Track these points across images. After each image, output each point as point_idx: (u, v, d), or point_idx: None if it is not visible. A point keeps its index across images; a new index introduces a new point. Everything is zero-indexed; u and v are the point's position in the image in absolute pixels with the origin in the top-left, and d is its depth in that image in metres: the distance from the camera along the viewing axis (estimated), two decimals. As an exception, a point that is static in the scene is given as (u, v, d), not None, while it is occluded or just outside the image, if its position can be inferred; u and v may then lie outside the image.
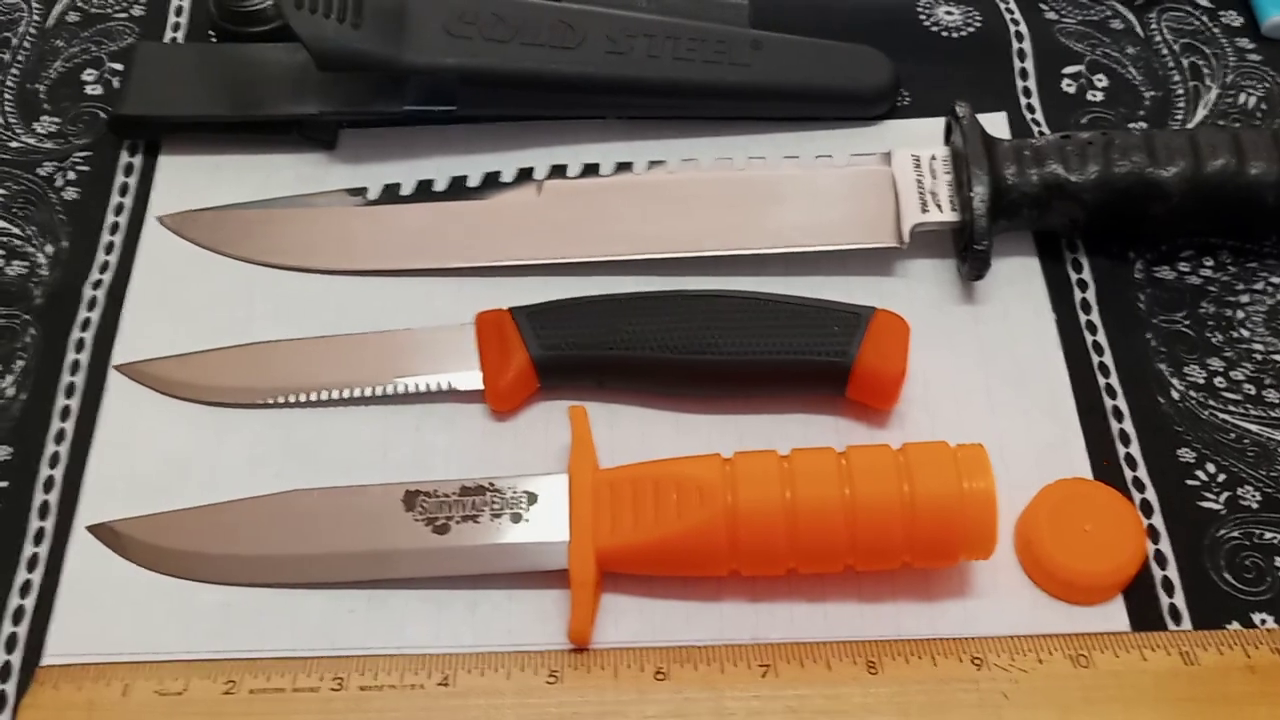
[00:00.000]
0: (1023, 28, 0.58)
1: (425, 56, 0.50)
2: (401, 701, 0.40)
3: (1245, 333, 0.49)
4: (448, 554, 0.42)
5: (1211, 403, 0.47)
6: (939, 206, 0.49)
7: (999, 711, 0.39)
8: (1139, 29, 0.58)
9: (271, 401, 0.47)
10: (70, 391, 0.47)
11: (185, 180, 0.53)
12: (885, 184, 0.50)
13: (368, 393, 0.46)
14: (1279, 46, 0.57)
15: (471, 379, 0.46)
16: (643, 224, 0.50)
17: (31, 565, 0.43)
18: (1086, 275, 0.50)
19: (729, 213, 0.50)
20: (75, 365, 0.48)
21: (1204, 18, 0.59)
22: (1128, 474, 0.45)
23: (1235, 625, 0.42)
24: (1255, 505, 0.44)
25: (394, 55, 0.49)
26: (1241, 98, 0.55)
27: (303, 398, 0.46)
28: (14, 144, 0.54)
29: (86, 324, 0.49)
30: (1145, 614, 0.42)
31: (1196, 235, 0.51)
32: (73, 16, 0.59)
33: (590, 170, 0.52)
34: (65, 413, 0.47)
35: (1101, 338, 0.49)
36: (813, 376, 0.45)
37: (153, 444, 0.46)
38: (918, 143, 0.52)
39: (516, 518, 0.42)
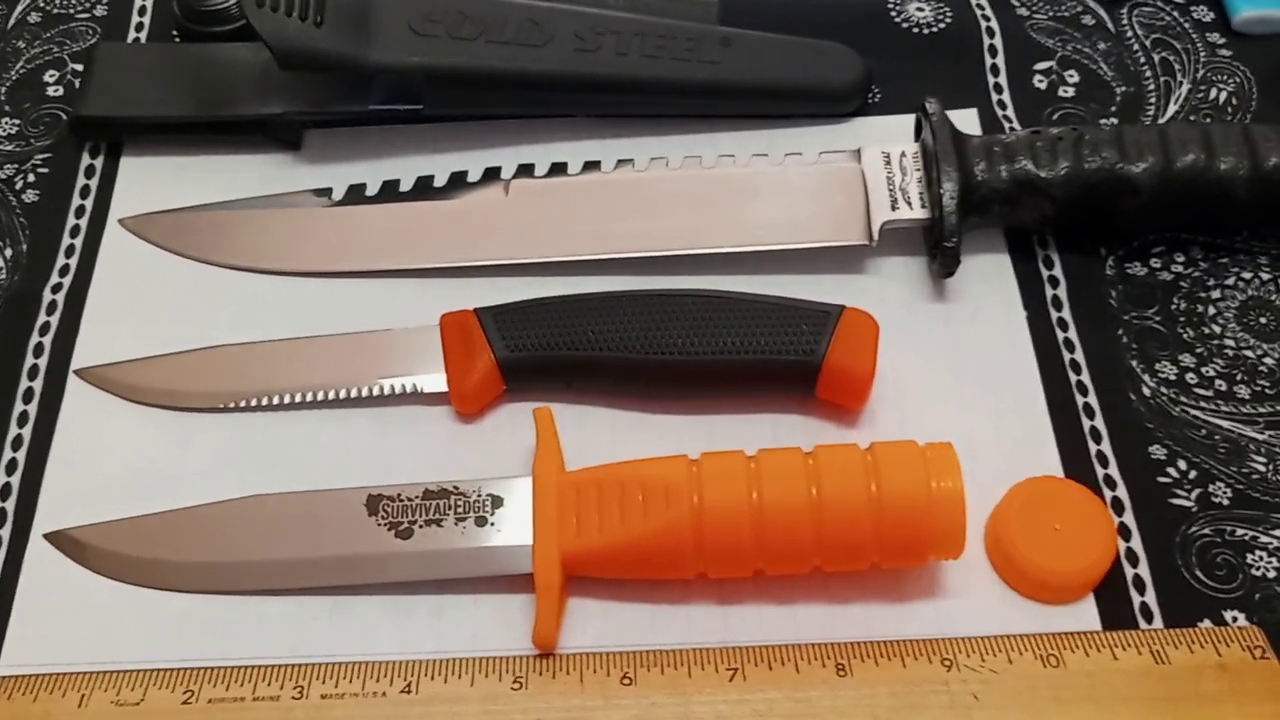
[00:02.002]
0: (994, 24, 0.58)
1: (390, 55, 0.49)
2: (364, 710, 0.39)
3: (1216, 328, 0.48)
4: (411, 559, 0.41)
5: (1183, 399, 0.47)
6: (909, 204, 0.49)
7: (969, 713, 0.39)
8: (1110, 25, 0.58)
9: (234, 405, 0.46)
10: (28, 397, 0.47)
11: (147, 182, 0.52)
12: (855, 181, 0.50)
13: (331, 396, 0.46)
14: (1250, 41, 0.57)
15: (436, 381, 0.46)
16: (611, 223, 0.50)
17: (-12, 574, 0.43)
18: (1058, 272, 0.50)
19: (698, 211, 0.50)
20: (34, 370, 0.47)
21: (1175, 13, 0.58)
22: (1099, 472, 0.45)
23: (1207, 623, 0.42)
24: (1226, 502, 0.44)
25: (357, 54, 0.49)
26: (1213, 93, 0.55)
27: (266, 401, 0.46)
28: (-27, 146, 0.54)
29: (46, 328, 0.48)
30: (1116, 613, 0.42)
31: (1167, 231, 0.51)
32: (34, 17, 0.58)
33: (558, 169, 0.51)
34: (23, 418, 0.46)
35: (1072, 334, 0.48)
36: (782, 376, 0.45)
37: (113, 450, 0.45)
38: (888, 140, 0.51)
39: (481, 521, 0.42)
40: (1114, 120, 0.54)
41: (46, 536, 0.43)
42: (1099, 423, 0.46)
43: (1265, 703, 0.39)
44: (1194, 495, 0.44)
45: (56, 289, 0.49)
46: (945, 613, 0.42)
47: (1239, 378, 0.47)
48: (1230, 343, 0.48)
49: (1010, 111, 0.55)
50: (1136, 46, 0.57)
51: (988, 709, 0.39)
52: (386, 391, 0.46)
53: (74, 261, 0.50)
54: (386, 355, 0.46)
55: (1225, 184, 0.48)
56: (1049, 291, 0.49)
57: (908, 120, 0.53)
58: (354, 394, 0.46)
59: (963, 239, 0.48)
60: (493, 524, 0.42)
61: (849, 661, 0.40)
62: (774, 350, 0.44)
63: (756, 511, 0.40)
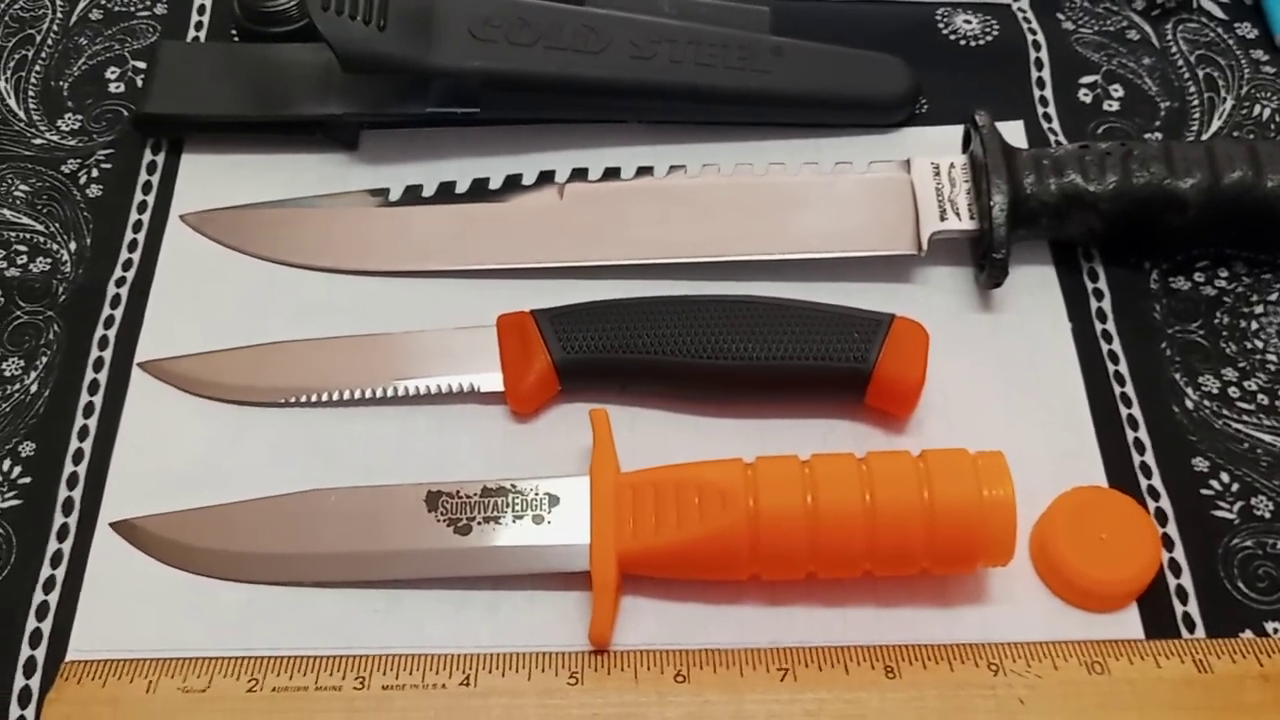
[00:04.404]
0: (1040, 37, 0.58)
1: (449, 59, 0.50)
2: (423, 701, 0.40)
3: (1259, 343, 0.49)
4: (469, 555, 0.42)
5: (1225, 412, 0.47)
6: (958, 215, 0.50)
7: (1015, 717, 0.39)
8: (1155, 40, 0.58)
9: (294, 401, 0.47)
10: (94, 388, 0.48)
11: (208, 179, 0.53)
12: (904, 191, 0.50)
13: (389, 393, 0.47)
14: (1294, 59, 0.58)
15: (493, 380, 0.46)
16: (663, 228, 0.51)
17: (55, 561, 0.44)
18: (1103, 285, 0.51)
19: (749, 218, 0.51)
20: (99, 362, 0.48)
21: (1219, 29, 0.59)
22: (1142, 482, 0.46)
23: (1248, 634, 0.42)
24: (1268, 515, 0.45)
25: (418, 57, 0.50)
26: (1256, 109, 0.56)
27: (325, 397, 0.47)
28: (38, 141, 0.54)
29: (110, 321, 0.49)
30: (1160, 622, 0.43)
31: (1213, 246, 0.51)
32: (95, 14, 0.59)
33: (611, 174, 0.52)
34: (89, 409, 0.47)
35: (1117, 347, 0.49)
36: (832, 382, 0.45)
37: (176, 441, 0.46)
38: (935, 150, 0.52)
39: (538, 519, 0.42)
40: (1158, 135, 0.55)
41: (112, 525, 0.44)
42: (1143, 434, 0.47)
43: (1307, 713, 0.39)
44: (1236, 508, 0.45)
45: (120, 283, 0.50)
46: (991, 618, 0.42)
47: (1281, 393, 0.48)
48: (1273, 358, 0.49)
49: (1056, 125, 0.55)
50: (1181, 62, 0.58)
51: (1033, 714, 0.39)
52: (444, 390, 0.46)
53: (137, 256, 0.51)
54: (444, 354, 0.47)
55: (1271, 201, 0.48)
56: (1094, 304, 0.50)
57: (955, 131, 0.53)
58: (411, 392, 0.47)
59: (1010, 250, 0.48)
60: (549, 522, 0.42)
61: (898, 664, 0.41)
62: (825, 357, 0.45)
63: (811, 516, 0.40)
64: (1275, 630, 0.42)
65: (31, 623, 0.42)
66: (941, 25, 0.58)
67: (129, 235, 0.52)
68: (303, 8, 0.53)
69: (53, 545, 0.44)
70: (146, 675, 0.40)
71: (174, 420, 0.47)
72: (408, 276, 0.51)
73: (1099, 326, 0.50)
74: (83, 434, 0.46)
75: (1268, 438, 0.47)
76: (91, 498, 0.45)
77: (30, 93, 0.56)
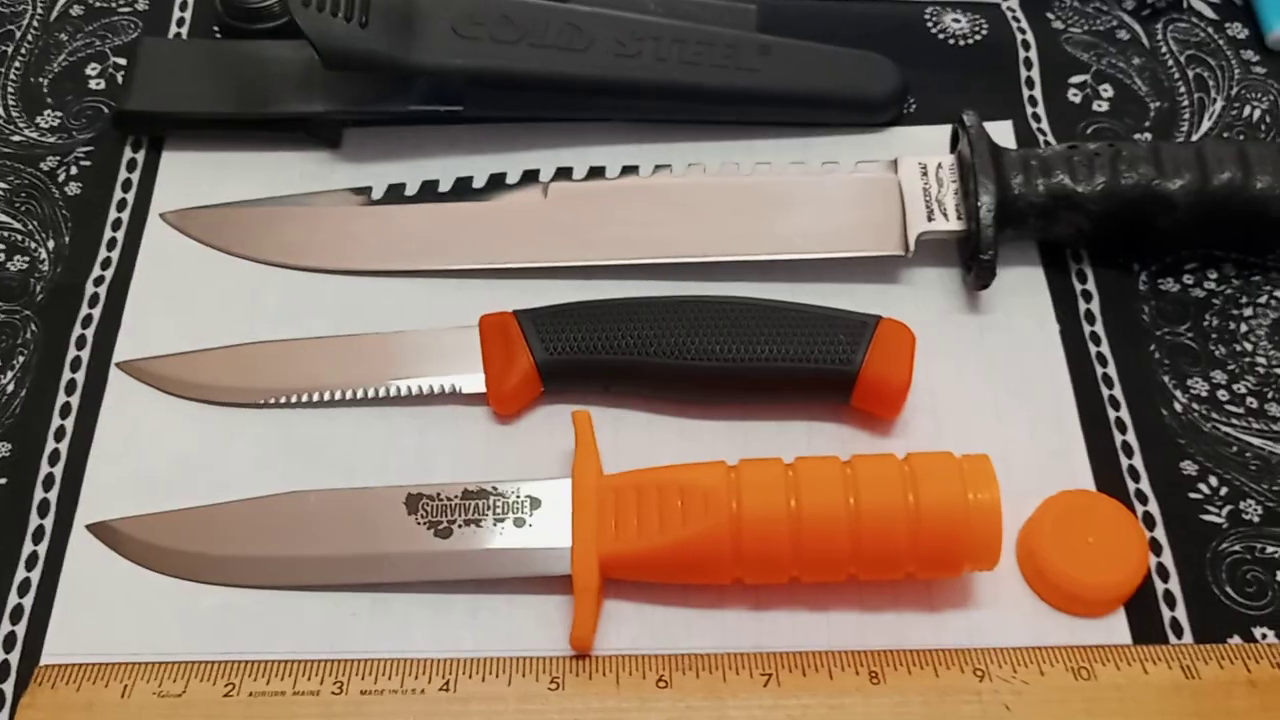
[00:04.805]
0: (1029, 36, 0.58)
1: (432, 57, 0.50)
2: (402, 706, 0.39)
3: (1248, 346, 0.49)
4: (449, 558, 0.42)
5: (1214, 416, 0.47)
6: (945, 215, 0.49)
7: (1001, 723, 0.39)
8: (1145, 40, 0.58)
9: (273, 401, 0.46)
10: (71, 389, 0.47)
11: (189, 177, 0.53)
12: (892, 191, 0.50)
13: (370, 394, 0.46)
14: (1284, 60, 0.57)
15: (475, 382, 0.46)
16: (648, 228, 0.50)
17: (31, 563, 0.43)
18: (1091, 286, 0.50)
19: (735, 218, 0.50)
20: (76, 362, 0.48)
21: (1209, 29, 0.59)
22: (1130, 486, 0.45)
23: (1236, 639, 0.42)
24: (1257, 519, 0.44)
25: (401, 55, 0.49)
26: (1246, 110, 0.55)
27: (305, 398, 0.46)
28: (16, 138, 0.54)
29: (88, 321, 0.49)
30: (1147, 627, 0.42)
31: (1201, 248, 0.51)
32: (76, 10, 0.58)
33: (596, 173, 0.52)
34: (66, 410, 0.46)
35: (1105, 349, 0.49)
36: (818, 384, 0.45)
37: (154, 443, 0.46)
38: (923, 150, 0.52)
39: (519, 522, 0.42)
40: (1148, 135, 0.55)
41: (89, 527, 0.44)
42: (1131, 437, 0.46)
43: (1295, 720, 0.39)
44: (1225, 512, 0.45)
45: (98, 282, 0.50)
46: (977, 623, 0.42)
47: (1270, 396, 0.47)
48: (1262, 360, 0.48)
49: (1045, 124, 0.55)
50: (1171, 62, 0.57)
51: (1019, 720, 0.39)
52: (425, 391, 0.46)
53: (115, 254, 0.51)
54: (426, 355, 0.47)
55: (1260, 203, 0.48)
56: (1082, 305, 0.50)
57: (943, 131, 0.53)
58: (393, 392, 0.46)
59: (998, 251, 0.48)
60: (531, 525, 0.42)
61: (882, 669, 0.40)
62: (811, 359, 0.45)
63: (795, 519, 0.40)
64: (1263, 636, 0.42)
65: (6, 626, 0.42)
66: (930, 24, 0.58)
67: (108, 234, 0.51)
68: (285, 4, 0.53)
69: (28, 547, 0.43)
70: (122, 679, 0.40)
71: (152, 421, 0.46)
72: (390, 276, 0.50)
73: (1087, 328, 0.49)
74: (59, 435, 0.46)
75: (1257, 441, 0.46)
76: (68, 499, 0.44)
77: (9, 89, 0.55)
